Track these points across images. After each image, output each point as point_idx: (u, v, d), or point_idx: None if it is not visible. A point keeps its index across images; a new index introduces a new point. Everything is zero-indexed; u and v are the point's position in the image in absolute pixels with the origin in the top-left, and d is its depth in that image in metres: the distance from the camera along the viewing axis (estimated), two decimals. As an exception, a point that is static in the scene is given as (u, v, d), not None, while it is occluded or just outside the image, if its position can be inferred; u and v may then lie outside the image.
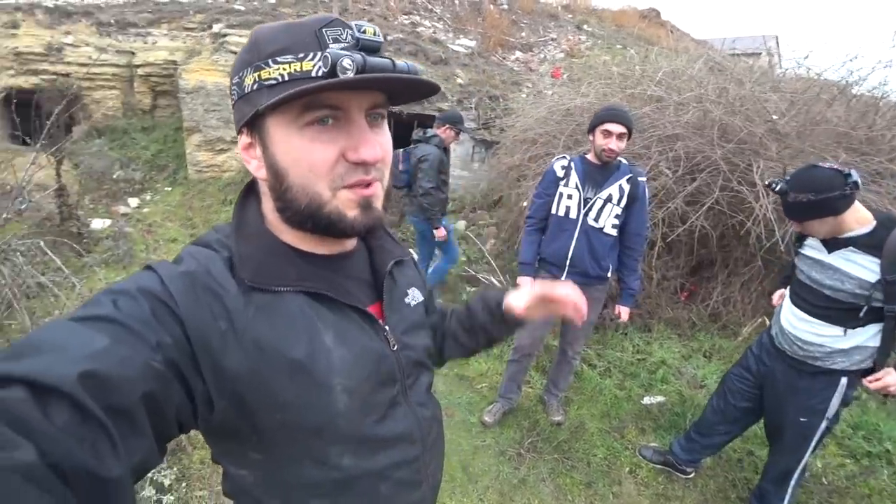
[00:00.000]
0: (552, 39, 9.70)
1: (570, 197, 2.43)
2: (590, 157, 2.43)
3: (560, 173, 2.47)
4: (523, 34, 9.70)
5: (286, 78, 0.56)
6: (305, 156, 0.58)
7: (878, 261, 1.64)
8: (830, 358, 1.81)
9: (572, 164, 2.44)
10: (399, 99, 0.65)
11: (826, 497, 2.45)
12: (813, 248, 1.84)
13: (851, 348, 1.76)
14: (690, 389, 3.18)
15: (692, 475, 2.53)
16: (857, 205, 1.68)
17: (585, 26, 10.51)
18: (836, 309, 1.76)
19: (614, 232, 2.42)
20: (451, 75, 7.40)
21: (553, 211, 2.50)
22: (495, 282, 4.46)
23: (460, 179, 7.07)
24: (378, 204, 0.65)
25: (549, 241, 2.52)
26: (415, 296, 0.82)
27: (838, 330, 1.77)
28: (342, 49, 0.55)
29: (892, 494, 2.48)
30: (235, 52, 6.68)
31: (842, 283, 1.72)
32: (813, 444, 1.96)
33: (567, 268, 2.46)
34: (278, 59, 0.56)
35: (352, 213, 0.62)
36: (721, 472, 2.59)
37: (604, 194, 2.37)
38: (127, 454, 0.44)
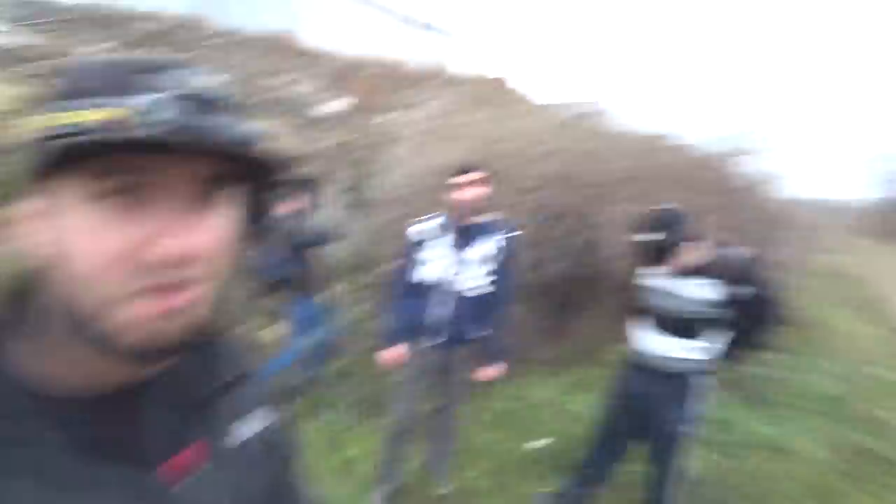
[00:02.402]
0: (421, 102, 10.25)
1: (437, 260, 2.32)
2: (455, 216, 2.35)
3: (425, 236, 2.36)
4: (394, 96, 10.13)
5: (77, 129, 0.38)
6: (89, 240, 0.40)
7: (713, 281, 2.03)
8: (683, 364, 2.11)
9: (439, 227, 2.35)
10: (240, 177, 0.45)
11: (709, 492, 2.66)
12: (653, 275, 2.15)
13: (699, 353, 2.08)
14: (573, 424, 3.21)
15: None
16: None
17: (448, 92, 11.31)
18: (684, 327, 2.08)
19: (487, 290, 2.34)
20: (322, 137, 7.36)
21: (421, 276, 2.35)
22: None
23: (336, 246, 6.89)
24: (190, 318, 0.44)
25: (419, 307, 2.34)
26: (245, 430, 0.58)
27: (687, 342, 2.10)
28: (164, 98, 0.39)
29: (757, 478, 2.83)
30: None
31: (686, 304, 2.06)
32: (682, 448, 2.15)
33: (439, 333, 2.32)
34: (74, 102, 0.39)
35: (137, 332, 0.41)
36: (616, 500, 2.57)
37: (473, 255, 2.30)
38: None
